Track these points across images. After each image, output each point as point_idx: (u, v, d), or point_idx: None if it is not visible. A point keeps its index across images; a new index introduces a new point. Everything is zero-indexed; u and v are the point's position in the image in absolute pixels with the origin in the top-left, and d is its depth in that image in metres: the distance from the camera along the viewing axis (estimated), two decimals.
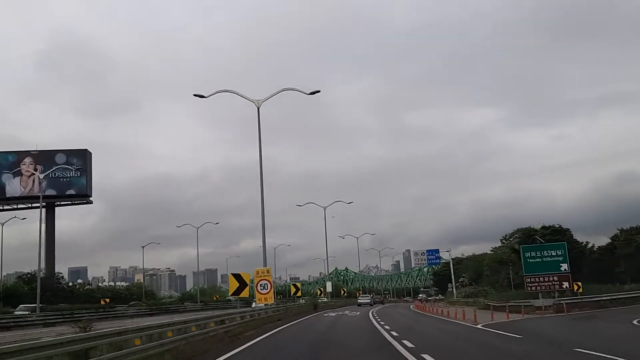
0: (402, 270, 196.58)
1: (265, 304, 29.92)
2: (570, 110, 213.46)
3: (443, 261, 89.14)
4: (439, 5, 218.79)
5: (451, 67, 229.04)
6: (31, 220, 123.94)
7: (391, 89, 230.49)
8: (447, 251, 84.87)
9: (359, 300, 73.70)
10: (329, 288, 75.79)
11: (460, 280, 75.61)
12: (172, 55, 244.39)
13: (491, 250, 79.75)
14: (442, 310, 40.19)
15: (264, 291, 28.93)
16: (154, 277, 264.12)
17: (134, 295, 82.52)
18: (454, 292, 71.70)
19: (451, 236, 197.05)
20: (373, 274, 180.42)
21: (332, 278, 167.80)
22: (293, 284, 69.56)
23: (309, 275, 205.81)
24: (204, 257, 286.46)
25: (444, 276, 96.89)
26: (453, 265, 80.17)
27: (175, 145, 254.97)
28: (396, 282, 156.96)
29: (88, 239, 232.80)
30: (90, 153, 75.89)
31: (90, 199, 75.61)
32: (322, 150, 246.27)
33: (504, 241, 66.65)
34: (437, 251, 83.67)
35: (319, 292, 75.81)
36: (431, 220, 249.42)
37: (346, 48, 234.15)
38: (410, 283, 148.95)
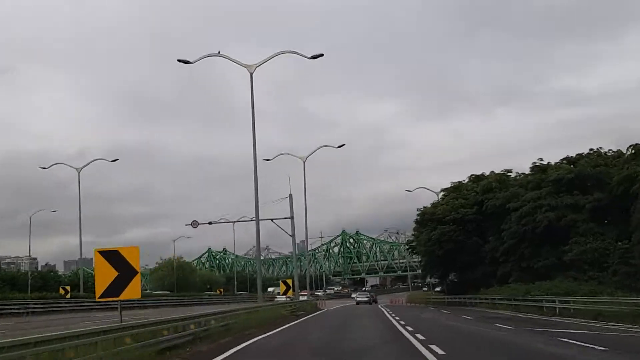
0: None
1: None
2: (469, 105, 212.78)
3: None
4: None
5: (357, 54, 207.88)
6: None
7: (293, 72, 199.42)
8: None
9: (357, 299, 65.64)
10: None
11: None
12: (50, 16, 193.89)
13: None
14: None
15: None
16: (12, 265, 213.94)
17: None
18: None
19: (347, 228, 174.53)
20: (262, 256, 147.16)
21: (202, 263, 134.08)
22: None
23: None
24: (84, 246, 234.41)
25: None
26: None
27: (52, 119, 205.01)
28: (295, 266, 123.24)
29: None
30: None
31: None
32: (218, 133, 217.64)
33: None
34: None
35: None
36: (326, 212, 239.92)
37: (249, 24, 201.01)
38: (316, 268, 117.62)
